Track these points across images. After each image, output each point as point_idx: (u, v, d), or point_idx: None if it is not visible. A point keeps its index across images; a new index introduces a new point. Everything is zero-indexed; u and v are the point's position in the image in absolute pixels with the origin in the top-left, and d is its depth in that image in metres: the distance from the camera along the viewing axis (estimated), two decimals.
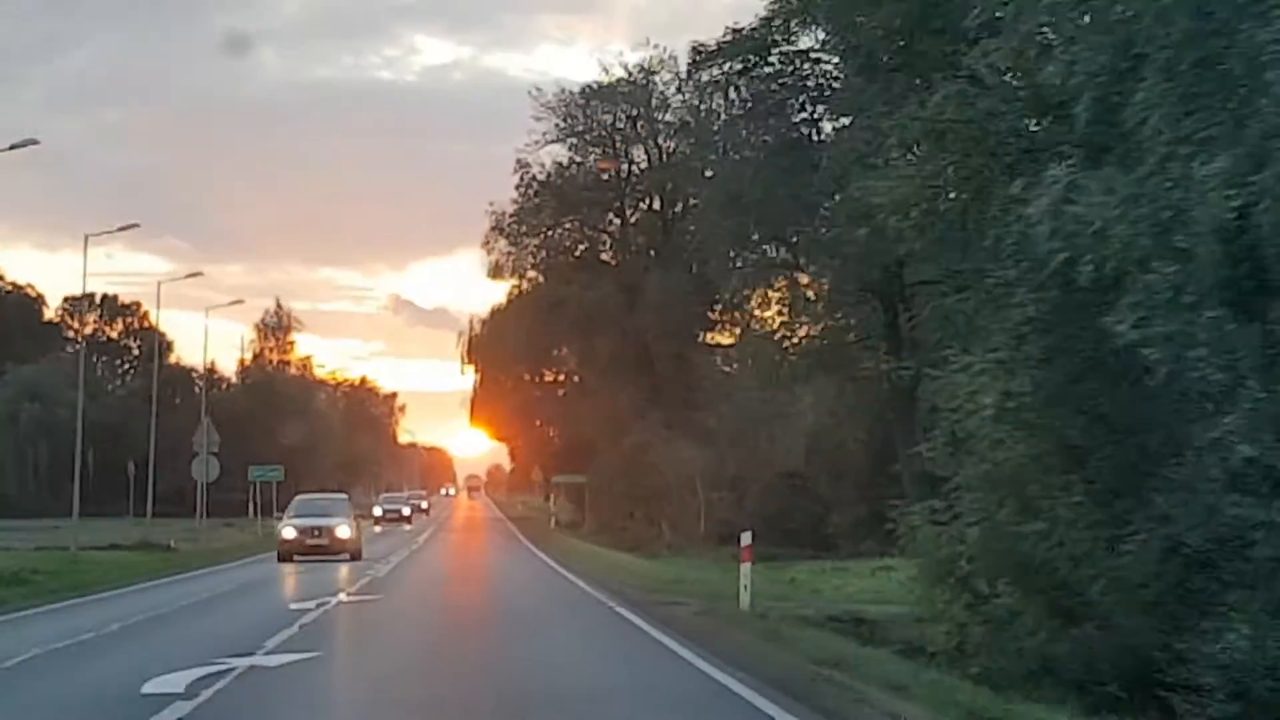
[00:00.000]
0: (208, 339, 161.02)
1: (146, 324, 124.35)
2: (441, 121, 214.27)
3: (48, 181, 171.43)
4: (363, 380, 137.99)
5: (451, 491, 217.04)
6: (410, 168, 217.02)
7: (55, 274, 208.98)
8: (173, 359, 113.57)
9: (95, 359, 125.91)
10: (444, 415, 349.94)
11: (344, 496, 52.53)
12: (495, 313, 79.41)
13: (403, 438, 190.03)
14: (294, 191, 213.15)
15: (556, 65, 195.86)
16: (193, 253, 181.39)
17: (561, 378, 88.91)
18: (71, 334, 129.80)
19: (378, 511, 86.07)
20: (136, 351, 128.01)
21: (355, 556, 43.30)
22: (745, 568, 24.60)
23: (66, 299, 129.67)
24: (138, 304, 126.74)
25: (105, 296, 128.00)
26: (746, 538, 25.01)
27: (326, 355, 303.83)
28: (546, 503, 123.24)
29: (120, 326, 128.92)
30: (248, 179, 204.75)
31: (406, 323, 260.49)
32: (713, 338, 71.96)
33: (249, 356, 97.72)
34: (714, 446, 61.77)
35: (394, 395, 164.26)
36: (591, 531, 74.63)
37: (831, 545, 56.96)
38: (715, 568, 52.06)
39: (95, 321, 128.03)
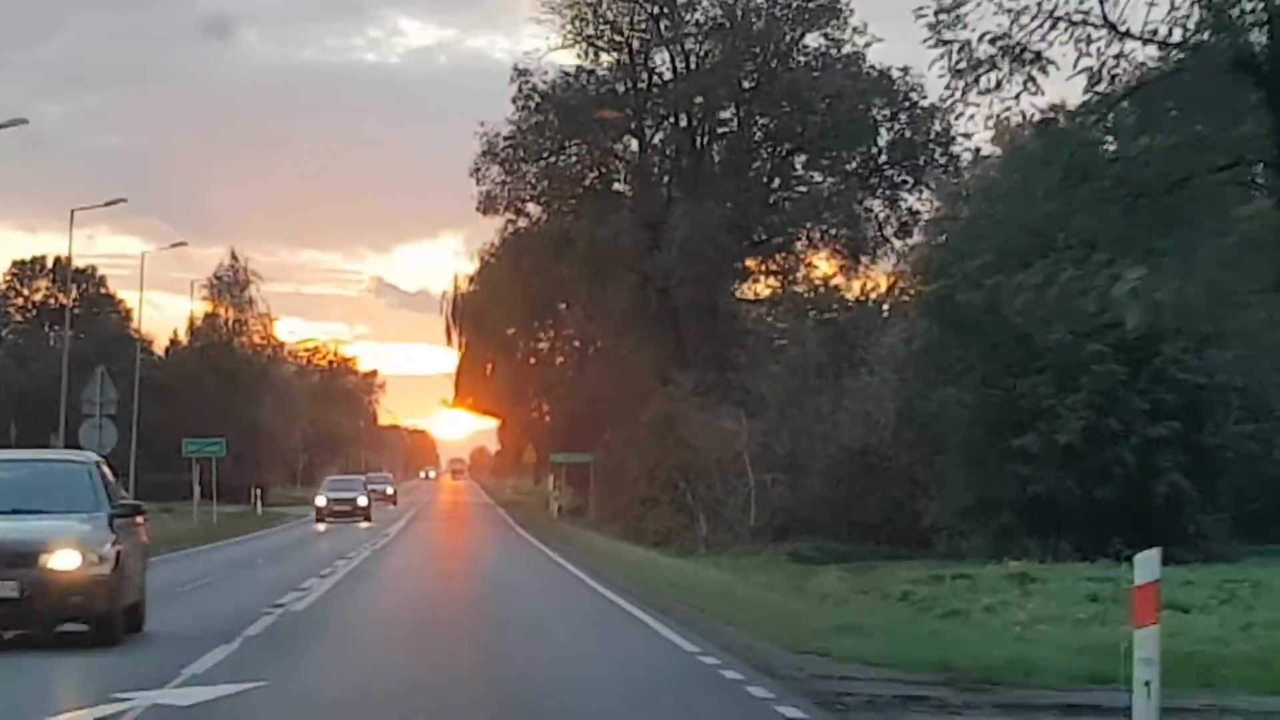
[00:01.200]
0: (144, 280, 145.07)
1: (104, 291, 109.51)
2: (425, 103, 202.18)
3: (31, 163, 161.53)
4: (338, 354, 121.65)
5: (431, 474, 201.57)
6: (393, 150, 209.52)
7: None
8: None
9: (47, 327, 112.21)
10: (428, 399, 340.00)
11: (96, 463, 17.30)
12: (485, 262, 64.11)
13: (384, 419, 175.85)
14: (277, 173, 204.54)
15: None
16: (175, 234, 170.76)
17: (562, 342, 74.27)
18: (21, 301, 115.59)
19: (321, 502, 59.71)
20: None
21: (106, 628, 15.37)
22: (1148, 636, 9.42)
23: (14, 263, 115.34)
24: (92, 268, 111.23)
25: (58, 260, 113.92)
26: (1148, 566, 9.62)
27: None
28: (538, 486, 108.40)
29: (74, 294, 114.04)
30: (231, 161, 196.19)
31: (389, 306, 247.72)
32: (751, 290, 57.21)
33: (200, 316, 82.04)
34: (761, 417, 47.05)
35: (374, 373, 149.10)
36: (600, 521, 60.09)
37: (920, 541, 42.39)
38: (773, 571, 38.33)
39: (47, 288, 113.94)
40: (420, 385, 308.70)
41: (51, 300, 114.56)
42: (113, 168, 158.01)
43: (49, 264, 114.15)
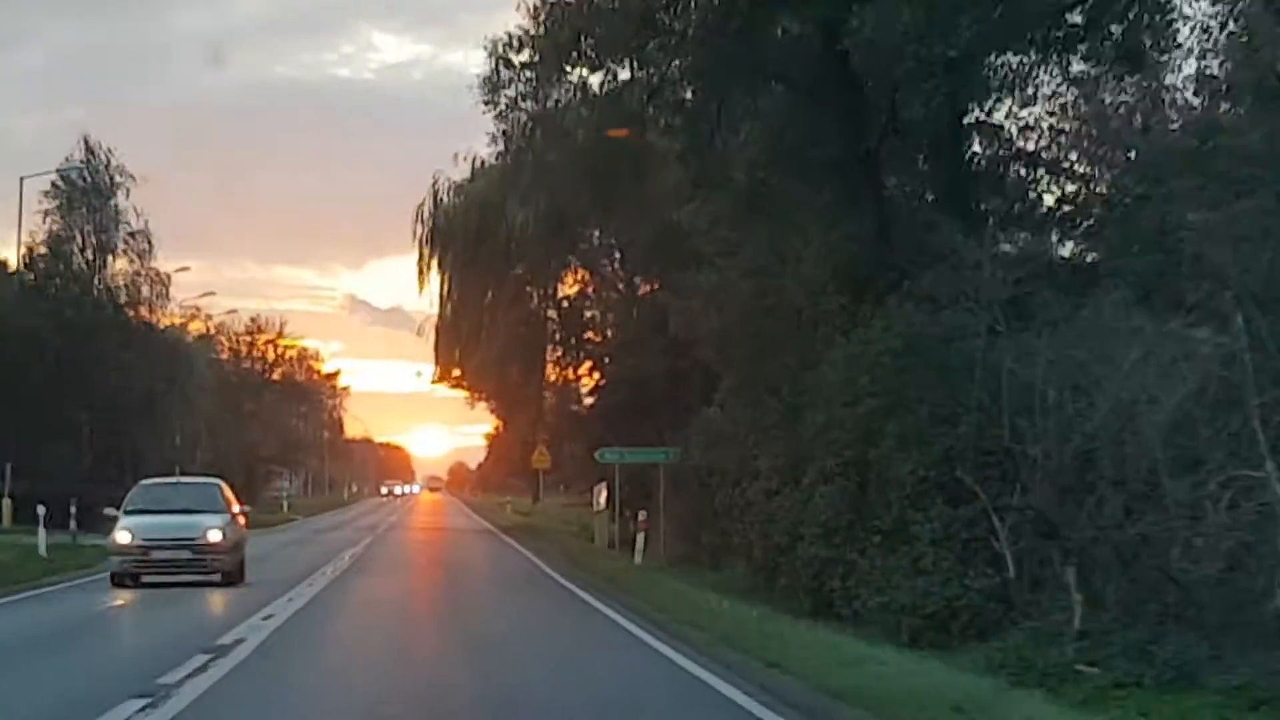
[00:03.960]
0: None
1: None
2: (399, 119, 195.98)
3: (5, 179, 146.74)
4: (281, 336, 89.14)
5: (398, 490, 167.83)
6: (368, 166, 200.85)
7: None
8: None
9: None
10: (403, 417, 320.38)
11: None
12: (491, 77, 32.62)
13: (354, 430, 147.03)
14: (251, 189, 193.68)
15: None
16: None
17: (605, 281, 45.85)
18: None
19: None
20: None
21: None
22: None
23: None
24: None
25: None
26: None
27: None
28: (539, 505, 79.04)
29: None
30: (205, 176, 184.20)
31: (363, 323, 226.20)
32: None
33: (38, 241, 49.38)
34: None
35: (336, 374, 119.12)
36: (683, 562, 31.90)
37: None
38: None
39: None
40: (395, 403, 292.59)
41: None
42: None
43: None
